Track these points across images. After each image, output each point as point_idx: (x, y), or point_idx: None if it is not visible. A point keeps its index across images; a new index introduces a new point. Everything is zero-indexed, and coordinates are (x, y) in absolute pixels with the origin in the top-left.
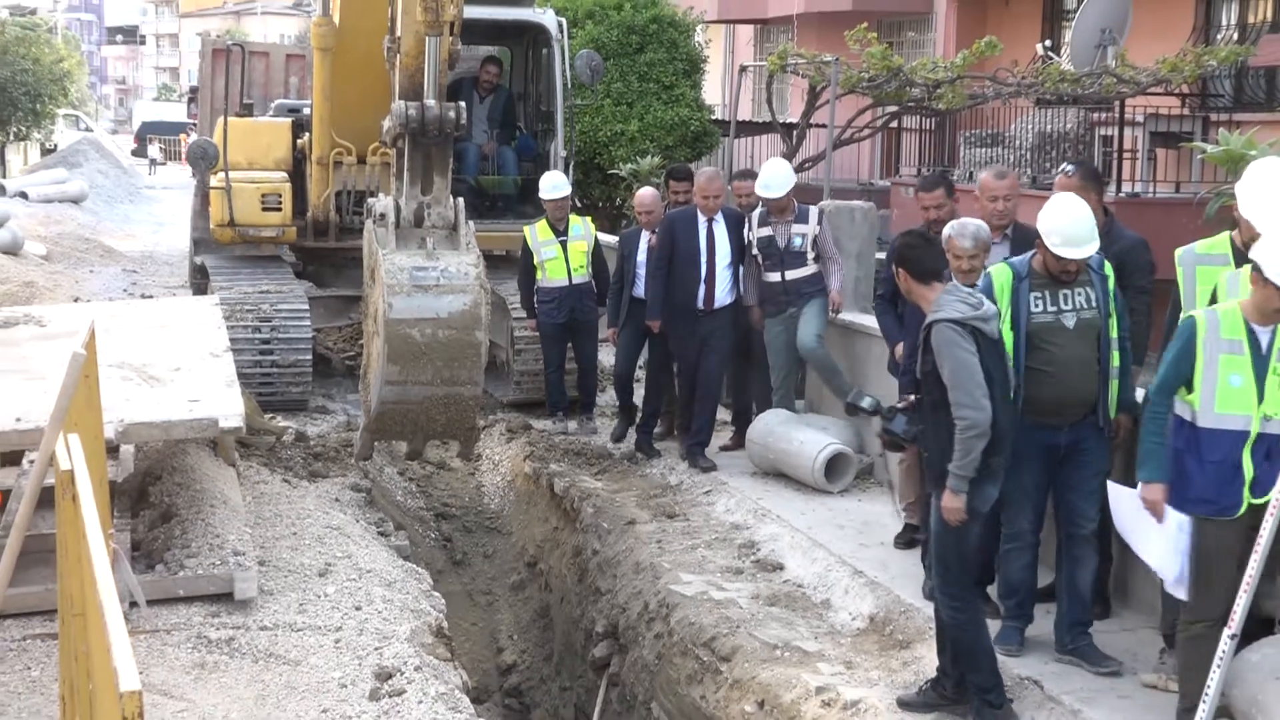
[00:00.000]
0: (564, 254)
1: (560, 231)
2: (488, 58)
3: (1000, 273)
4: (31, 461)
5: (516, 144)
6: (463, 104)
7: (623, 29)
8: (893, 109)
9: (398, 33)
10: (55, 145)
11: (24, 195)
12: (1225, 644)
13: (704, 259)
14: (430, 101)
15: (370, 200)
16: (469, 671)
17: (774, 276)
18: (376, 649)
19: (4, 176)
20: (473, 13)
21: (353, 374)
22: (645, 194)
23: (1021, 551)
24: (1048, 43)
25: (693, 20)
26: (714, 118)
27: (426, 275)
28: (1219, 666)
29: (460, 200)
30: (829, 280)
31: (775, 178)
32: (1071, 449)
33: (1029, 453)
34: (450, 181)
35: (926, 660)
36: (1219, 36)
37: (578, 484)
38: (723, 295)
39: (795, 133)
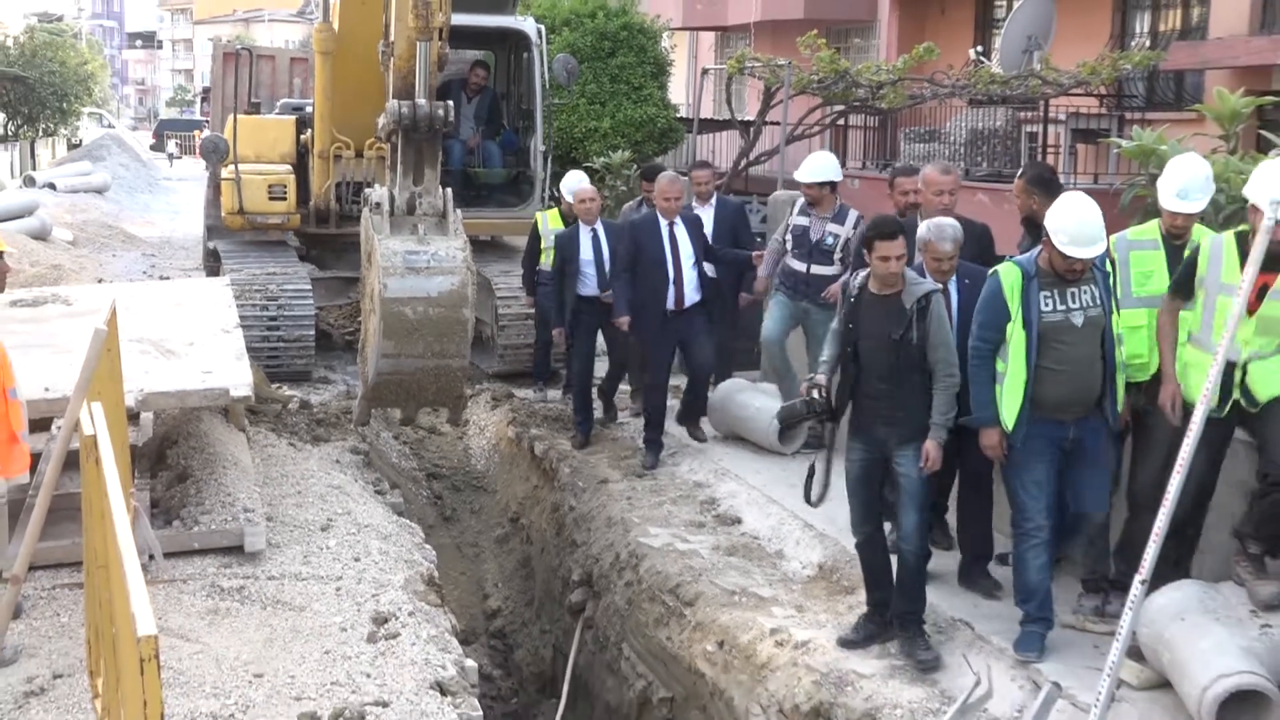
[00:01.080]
0: None
1: (569, 222)
2: (476, 62)
3: (1009, 272)
4: (59, 427)
5: (500, 139)
6: (450, 103)
7: (596, 35)
8: (840, 108)
9: (391, 37)
10: (80, 140)
11: (52, 186)
12: (1136, 589)
13: (670, 261)
14: (421, 100)
15: (367, 190)
16: (457, 616)
17: (798, 266)
18: (374, 596)
19: (34, 168)
20: (460, 20)
21: (351, 348)
22: (584, 186)
23: (1038, 550)
24: (979, 48)
25: (659, 27)
26: (679, 116)
27: (418, 258)
28: (1130, 609)
29: (449, 190)
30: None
31: (812, 165)
32: (1077, 443)
33: (1038, 447)
34: (439, 173)
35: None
36: (1133, 43)
37: (556, 446)
38: (691, 294)
39: (752, 130)
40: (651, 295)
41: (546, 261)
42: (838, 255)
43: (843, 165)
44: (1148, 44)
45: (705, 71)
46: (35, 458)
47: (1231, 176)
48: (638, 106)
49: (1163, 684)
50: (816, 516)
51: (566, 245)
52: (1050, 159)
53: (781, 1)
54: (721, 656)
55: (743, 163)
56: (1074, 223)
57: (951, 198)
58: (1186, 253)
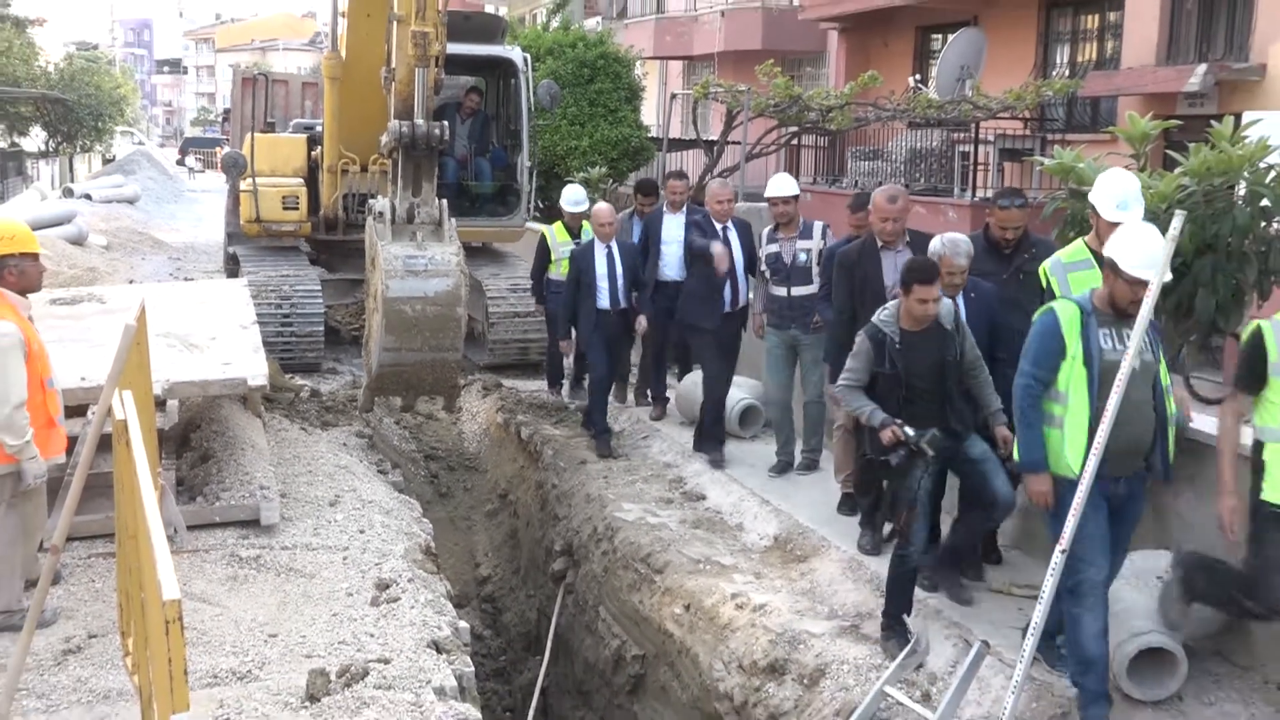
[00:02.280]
0: None
1: (575, 235)
2: (470, 88)
3: (1066, 308)
4: (93, 413)
5: (490, 156)
6: (446, 123)
7: (576, 63)
8: (794, 129)
9: (393, 65)
10: (114, 156)
11: (88, 196)
12: (1057, 557)
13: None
14: (419, 121)
15: (371, 201)
16: (452, 582)
17: (780, 291)
18: (377, 564)
19: (72, 181)
20: (454, 49)
21: (357, 342)
22: (603, 208)
23: (1095, 612)
24: (918, 76)
25: (633, 56)
26: (650, 135)
27: (417, 262)
28: (1052, 575)
29: (444, 201)
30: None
31: (780, 183)
32: (1123, 498)
33: (1094, 502)
34: (436, 186)
35: (820, 571)
36: (1054, 72)
37: (540, 431)
38: (742, 296)
39: (716, 148)
40: (708, 296)
41: (556, 271)
42: (816, 271)
43: (796, 180)
44: (1067, 73)
45: (674, 96)
46: (71, 440)
47: (1142, 191)
48: (614, 127)
49: None
50: (772, 494)
51: (581, 258)
52: (980, 176)
53: (742, 34)
54: (688, 618)
55: (707, 178)
56: (1141, 245)
57: (897, 224)
58: (1243, 340)
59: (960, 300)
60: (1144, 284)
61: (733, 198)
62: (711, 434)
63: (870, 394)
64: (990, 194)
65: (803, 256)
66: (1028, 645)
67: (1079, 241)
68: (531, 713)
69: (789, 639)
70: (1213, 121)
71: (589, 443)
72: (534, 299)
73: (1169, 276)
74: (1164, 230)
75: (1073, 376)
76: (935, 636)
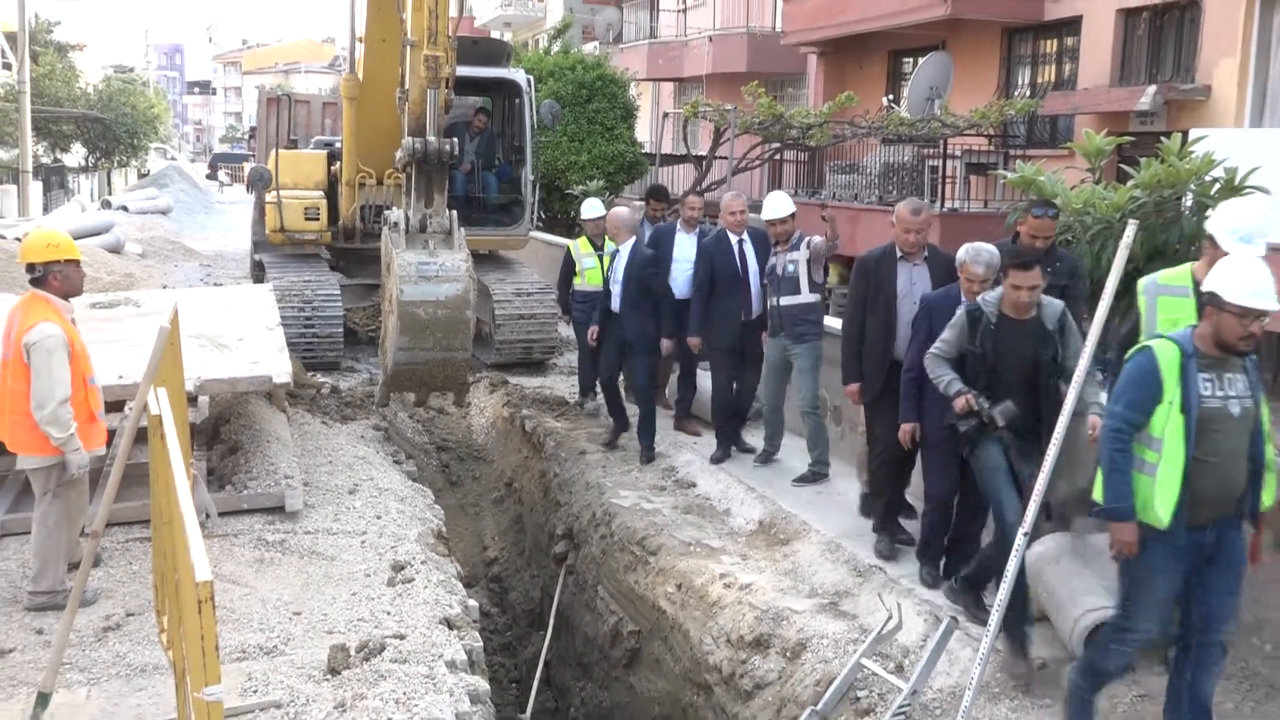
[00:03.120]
0: (600, 265)
1: (598, 247)
2: (479, 109)
3: (1165, 349)
4: (130, 409)
5: (496, 170)
6: (456, 140)
7: (576, 84)
8: (776, 145)
9: (407, 86)
10: (148, 170)
11: (125, 208)
12: (1020, 540)
13: (741, 274)
14: (431, 138)
15: (386, 212)
16: (462, 564)
17: (772, 301)
18: (392, 547)
19: (110, 194)
20: (463, 72)
21: (373, 342)
22: (621, 212)
23: (1127, 654)
24: (890, 96)
25: (628, 78)
26: (644, 151)
27: (429, 268)
28: (1016, 556)
29: (454, 212)
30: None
31: (778, 202)
32: (1214, 548)
33: (1176, 557)
34: (446, 198)
35: (801, 553)
36: (1016, 93)
37: (543, 424)
38: (757, 306)
39: (704, 163)
40: (728, 308)
41: (583, 283)
42: (805, 283)
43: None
44: (1028, 93)
45: (666, 115)
46: (111, 434)
47: (1097, 202)
48: (610, 144)
49: (1041, 617)
50: (756, 482)
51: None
52: (948, 188)
53: (728, 58)
54: (680, 596)
55: (696, 190)
56: (1244, 275)
57: (920, 235)
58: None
59: None
60: (1256, 314)
61: (745, 209)
62: (728, 438)
63: (961, 373)
64: (958, 205)
65: (790, 268)
66: (993, 621)
67: (1185, 266)
68: (536, 684)
69: (773, 615)
70: (1162, 138)
71: (588, 435)
72: (560, 310)
73: (1276, 306)
74: (1119, 237)
75: (1169, 423)
76: (909, 613)
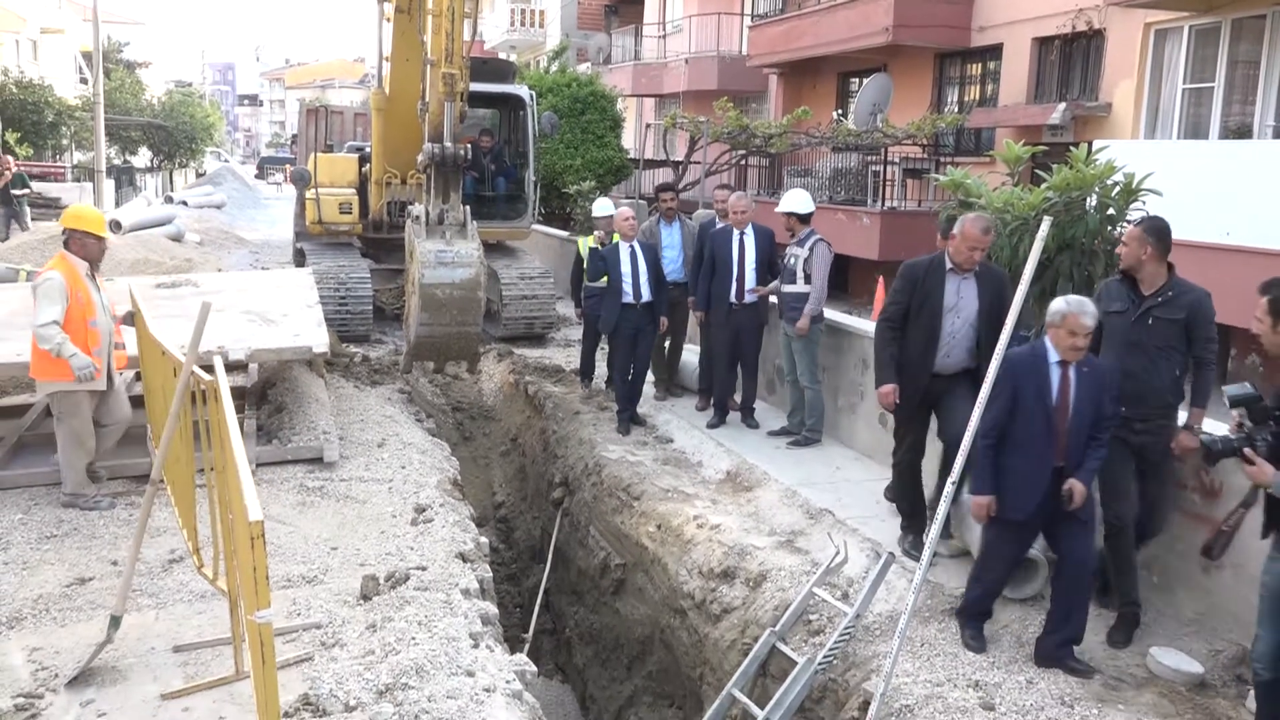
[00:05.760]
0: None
1: (603, 244)
2: (484, 130)
3: None
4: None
5: (503, 172)
6: (469, 145)
7: (571, 99)
8: (742, 152)
9: (427, 99)
10: (205, 171)
11: (185, 203)
12: (948, 488)
13: (735, 263)
14: (448, 144)
15: (409, 207)
16: (474, 507)
17: (779, 285)
18: (415, 493)
19: (172, 190)
20: (476, 87)
21: (398, 319)
22: (625, 211)
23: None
24: (839, 111)
25: (616, 94)
26: (629, 157)
27: (446, 255)
28: (946, 502)
29: (468, 207)
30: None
31: (798, 199)
32: None
33: None
34: (461, 195)
35: (762, 499)
36: (946, 108)
37: (543, 389)
38: (748, 294)
39: (681, 167)
40: (720, 291)
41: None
42: (802, 275)
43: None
44: (956, 109)
45: (648, 125)
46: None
47: (1015, 202)
48: (600, 150)
49: (965, 553)
50: (724, 438)
51: (610, 254)
52: (887, 189)
53: (701, 77)
54: (659, 535)
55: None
56: None
57: (981, 255)
58: None
59: (1072, 373)
60: None
61: (749, 208)
62: (723, 406)
63: None
64: (896, 204)
65: (792, 260)
66: (925, 555)
67: None
68: (536, 609)
69: (738, 551)
70: (1071, 148)
71: (581, 396)
72: (575, 305)
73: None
74: (1034, 231)
75: None
76: (853, 549)
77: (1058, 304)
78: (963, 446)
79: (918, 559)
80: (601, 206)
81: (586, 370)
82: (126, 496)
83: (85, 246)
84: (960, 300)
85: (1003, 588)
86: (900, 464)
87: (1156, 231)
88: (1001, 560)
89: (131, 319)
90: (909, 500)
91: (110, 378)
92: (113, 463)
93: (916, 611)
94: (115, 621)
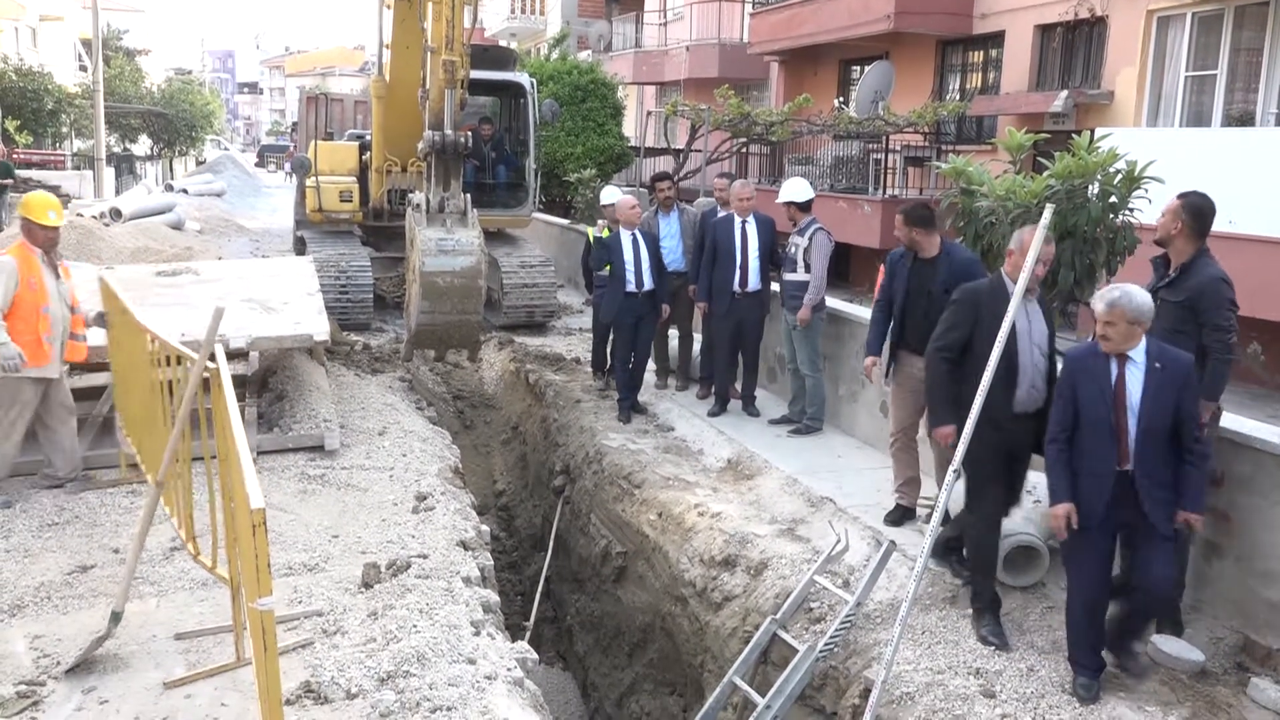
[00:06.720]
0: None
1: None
2: (484, 119)
3: None
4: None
5: (504, 160)
6: (470, 133)
7: (572, 87)
8: (744, 140)
9: (427, 86)
10: (205, 159)
11: (185, 191)
12: (950, 476)
13: (739, 252)
14: (449, 131)
15: (410, 195)
16: (475, 495)
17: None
18: (416, 481)
19: (172, 178)
20: (476, 75)
21: (399, 307)
22: (628, 199)
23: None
24: (841, 99)
25: (617, 81)
26: (630, 145)
27: (446, 243)
28: (948, 489)
29: (468, 195)
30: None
31: (798, 187)
32: None
33: None
34: (461, 183)
35: (763, 487)
36: (948, 96)
37: (544, 377)
38: (754, 281)
39: (682, 155)
40: (723, 278)
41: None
42: (801, 264)
43: (750, 181)
44: (958, 97)
45: (649, 113)
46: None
47: (1017, 190)
48: (601, 138)
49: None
50: (725, 427)
51: (612, 243)
52: (889, 177)
53: (702, 64)
54: (660, 523)
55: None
56: None
57: (1047, 267)
58: None
59: (1133, 367)
60: None
61: (752, 195)
62: (722, 393)
63: None
64: (898, 192)
65: (793, 249)
66: (926, 544)
67: None
68: (538, 597)
69: (739, 539)
70: (1073, 135)
71: (582, 387)
72: (587, 290)
73: None
74: (1037, 219)
75: None
76: (854, 538)
77: (1106, 299)
78: (962, 447)
79: (998, 646)
80: (609, 194)
81: (599, 362)
82: (126, 484)
83: (32, 234)
84: (1031, 325)
85: (1104, 609)
86: (978, 526)
87: (1193, 208)
88: (1084, 576)
89: (103, 320)
90: (984, 572)
91: (58, 366)
92: (88, 453)
93: (918, 599)
94: (116, 617)
